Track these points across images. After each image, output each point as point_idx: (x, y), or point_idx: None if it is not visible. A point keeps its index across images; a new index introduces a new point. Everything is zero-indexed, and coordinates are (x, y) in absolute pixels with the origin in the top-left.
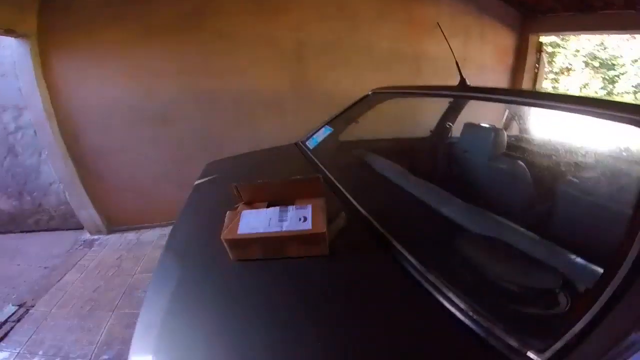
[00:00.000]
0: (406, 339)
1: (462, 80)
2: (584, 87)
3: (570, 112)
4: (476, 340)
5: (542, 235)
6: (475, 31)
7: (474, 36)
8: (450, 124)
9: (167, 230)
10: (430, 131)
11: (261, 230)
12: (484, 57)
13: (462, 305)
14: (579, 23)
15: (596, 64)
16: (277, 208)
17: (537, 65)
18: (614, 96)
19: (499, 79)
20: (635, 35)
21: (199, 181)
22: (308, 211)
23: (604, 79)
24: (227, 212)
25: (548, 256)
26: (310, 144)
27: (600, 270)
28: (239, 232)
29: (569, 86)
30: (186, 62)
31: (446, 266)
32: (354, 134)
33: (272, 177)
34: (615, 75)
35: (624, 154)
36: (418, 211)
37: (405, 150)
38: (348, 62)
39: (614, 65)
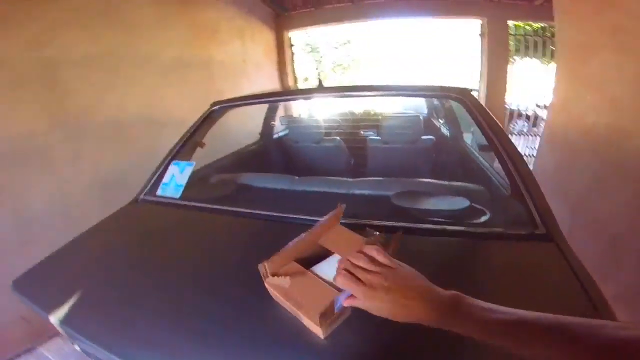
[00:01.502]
0: None
1: (320, 81)
2: (315, 68)
3: (367, 96)
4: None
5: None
6: (248, 33)
7: (248, 37)
8: (274, 123)
9: None
10: (260, 134)
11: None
12: (258, 57)
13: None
14: (317, 17)
15: (308, 49)
16: (330, 259)
17: (293, 58)
18: (320, 72)
19: (271, 75)
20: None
21: None
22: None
23: (316, 60)
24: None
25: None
26: (170, 191)
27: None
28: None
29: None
30: None
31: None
32: (217, 156)
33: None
34: (320, 57)
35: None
36: (329, 199)
37: (272, 156)
38: (132, 79)
39: (318, 49)
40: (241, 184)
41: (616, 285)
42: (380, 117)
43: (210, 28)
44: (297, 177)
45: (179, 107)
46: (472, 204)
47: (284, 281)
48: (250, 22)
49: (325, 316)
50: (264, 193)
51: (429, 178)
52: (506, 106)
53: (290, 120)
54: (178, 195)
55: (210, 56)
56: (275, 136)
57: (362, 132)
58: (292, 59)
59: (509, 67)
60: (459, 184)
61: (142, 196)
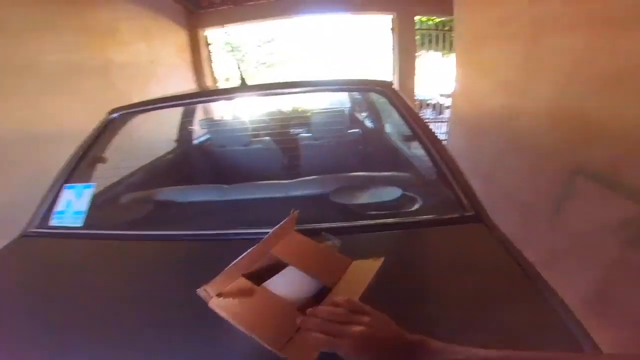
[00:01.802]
0: None
1: (243, 80)
2: (237, 67)
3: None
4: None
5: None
6: (156, 33)
7: (156, 38)
8: (192, 127)
9: None
10: (176, 141)
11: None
12: (170, 57)
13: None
14: (236, 15)
15: (228, 48)
16: (285, 272)
17: (210, 58)
18: (243, 71)
19: (186, 76)
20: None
21: None
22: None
23: (237, 59)
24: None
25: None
26: (68, 220)
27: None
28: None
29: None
30: None
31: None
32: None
33: None
34: (242, 56)
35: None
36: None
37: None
38: (6, 89)
39: (239, 48)
40: (162, 200)
41: (536, 252)
42: (309, 114)
43: (107, 29)
44: (226, 186)
45: (71, 119)
46: (405, 192)
47: (231, 302)
48: (158, 20)
49: (282, 339)
50: (190, 209)
51: (360, 171)
52: (415, 97)
53: (212, 123)
54: (80, 224)
55: (108, 59)
56: (195, 142)
57: (291, 131)
58: (210, 58)
59: (416, 61)
60: (390, 173)
61: (30, 229)
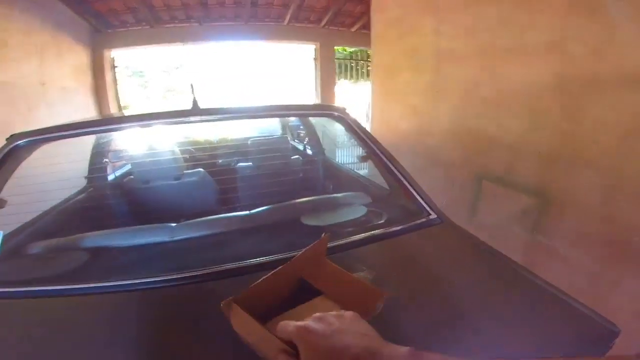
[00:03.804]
0: None
1: (195, 102)
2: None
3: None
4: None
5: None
6: (52, 51)
7: (51, 56)
8: (107, 160)
9: None
10: (86, 177)
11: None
12: (64, 79)
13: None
14: (148, 36)
15: (129, 72)
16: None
17: (116, 82)
18: (149, 98)
19: (85, 102)
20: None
21: None
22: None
23: (140, 85)
24: None
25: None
26: None
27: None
28: None
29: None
30: None
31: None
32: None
33: None
34: (145, 82)
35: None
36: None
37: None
38: None
39: (142, 73)
40: (94, 247)
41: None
42: (248, 142)
43: None
44: (174, 224)
45: None
46: (375, 207)
47: (252, 323)
48: (56, 37)
49: None
50: (133, 254)
51: (313, 195)
52: None
53: (132, 155)
54: None
55: None
56: (111, 178)
57: (231, 161)
58: (115, 82)
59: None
60: (352, 193)
61: None
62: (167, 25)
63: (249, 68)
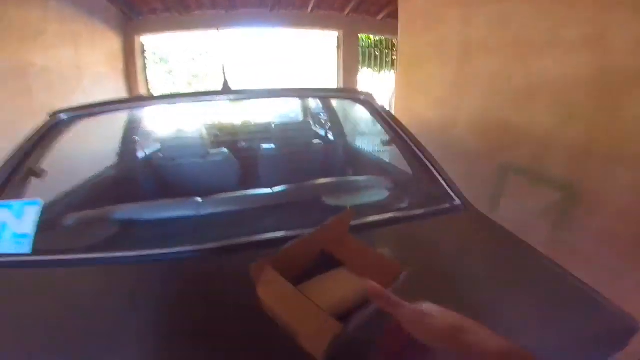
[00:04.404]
0: None
1: (225, 82)
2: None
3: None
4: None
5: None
6: (86, 37)
7: (84, 43)
8: (137, 138)
9: None
10: (118, 154)
11: None
12: (98, 64)
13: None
14: (177, 23)
15: (157, 59)
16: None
17: (145, 68)
18: (174, 83)
19: (117, 87)
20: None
21: None
22: None
23: (166, 72)
24: None
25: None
26: (8, 247)
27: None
28: None
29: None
30: None
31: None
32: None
33: None
34: (171, 69)
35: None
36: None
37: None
38: None
39: (167, 59)
40: (127, 219)
41: None
42: (272, 126)
43: (31, 29)
44: (200, 199)
45: None
46: (400, 189)
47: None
48: (90, 25)
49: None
50: (163, 226)
51: (343, 176)
52: None
53: (162, 134)
54: (28, 250)
55: (27, 62)
56: (140, 155)
57: (254, 143)
58: (145, 68)
59: (357, 76)
60: (372, 177)
61: None
62: (195, 12)
63: (274, 55)
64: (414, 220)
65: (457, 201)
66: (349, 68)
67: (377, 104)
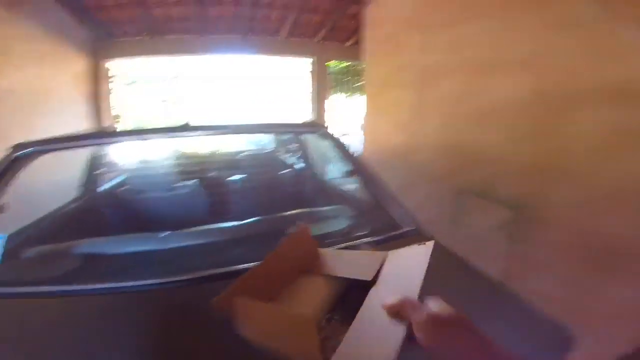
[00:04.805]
0: None
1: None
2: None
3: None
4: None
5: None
6: (50, 59)
7: (48, 64)
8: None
9: None
10: (82, 186)
11: None
12: (63, 87)
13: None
14: (149, 47)
15: (128, 81)
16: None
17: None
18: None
19: (82, 111)
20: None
21: None
22: None
23: (137, 94)
24: None
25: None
26: None
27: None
28: None
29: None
30: None
31: None
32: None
33: None
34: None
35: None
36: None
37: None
38: None
39: (139, 82)
40: (88, 253)
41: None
42: (241, 157)
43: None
44: (161, 235)
45: None
46: (358, 218)
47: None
48: (57, 45)
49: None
50: (125, 260)
51: (297, 208)
52: None
53: (127, 168)
54: None
55: None
56: (105, 187)
57: (221, 174)
58: (109, 93)
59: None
60: (333, 207)
61: None
62: (168, 37)
63: (246, 80)
64: (369, 246)
65: (412, 226)
66: (320, 93)
67: (332, 138)
